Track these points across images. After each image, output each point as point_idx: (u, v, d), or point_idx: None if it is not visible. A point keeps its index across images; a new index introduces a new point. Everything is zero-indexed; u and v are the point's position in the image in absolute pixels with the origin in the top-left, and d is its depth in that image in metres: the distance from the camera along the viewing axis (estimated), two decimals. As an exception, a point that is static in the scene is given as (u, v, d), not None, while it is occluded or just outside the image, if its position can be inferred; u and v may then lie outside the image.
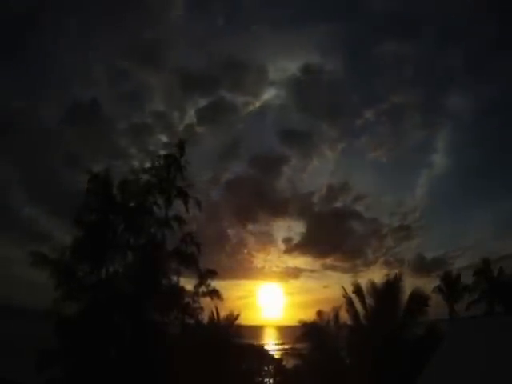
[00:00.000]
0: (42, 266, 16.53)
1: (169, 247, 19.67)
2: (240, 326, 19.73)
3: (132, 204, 18.47)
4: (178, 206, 20.34)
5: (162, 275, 18.76)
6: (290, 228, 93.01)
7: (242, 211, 78.62)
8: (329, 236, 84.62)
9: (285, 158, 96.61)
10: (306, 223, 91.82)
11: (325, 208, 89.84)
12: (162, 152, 20.90)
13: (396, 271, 17.07)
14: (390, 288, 16.11)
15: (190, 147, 21.27)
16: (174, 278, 19.33)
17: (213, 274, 20.64)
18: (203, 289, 20.29)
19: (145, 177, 19.41)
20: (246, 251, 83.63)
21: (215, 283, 21.03)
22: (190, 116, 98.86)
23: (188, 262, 19.54)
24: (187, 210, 19.96)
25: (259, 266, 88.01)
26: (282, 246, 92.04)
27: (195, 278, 20.50)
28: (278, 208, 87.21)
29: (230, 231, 76.91)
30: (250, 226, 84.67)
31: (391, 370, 14.21)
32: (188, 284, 20.48)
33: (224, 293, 21.13)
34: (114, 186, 18.15)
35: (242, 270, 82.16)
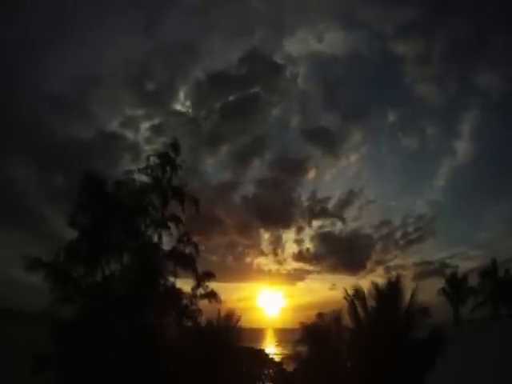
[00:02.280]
0: (36, 270, 16.52)
1: (166, 248, 19.68)
2: (240, 329, 19.68)
3: (128, 204, 18.42)
4: (178, 206, 20.26)
5: (158, 277, 18.74)
6: (301, 232, 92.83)
7: (256, 212, 79.06)
8: (339, 240, 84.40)
9: (308, 159, 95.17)
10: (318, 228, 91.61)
11: (338, 213, 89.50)
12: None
13: (398, 272, 17.01)
14: (392, 290, 16.05)
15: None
16: (171, 280, 19.31)
17: (210, 276, 20.58)
18: (201, 291, 20.24)
19: (140, 177, 19.39)
20: (249, 253, 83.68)
21: (217, 285, 21.02)
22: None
23: (185, 262, 19.50)
24: (183, 210, 19.92)
25: (262, 268, 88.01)
26: (290, 249, 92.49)
27: (193, 280, 20.44)
28: (292, 211, 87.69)
29: (242, 232, 76.80)
30: (262, 227, 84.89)
31: (394, 374, 14.15)
32: (185, 285, 20.45)
33: (225, 295, 21.11)
34: (108, 186, 18.12)
35: (245, 272, 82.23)
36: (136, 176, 19.14)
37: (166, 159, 20.09)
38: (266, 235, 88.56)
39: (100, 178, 17.88)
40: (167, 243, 19.88)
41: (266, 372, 28.71)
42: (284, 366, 27.62)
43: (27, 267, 16.43)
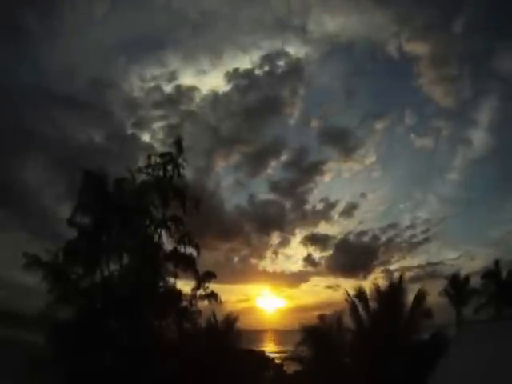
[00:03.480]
0: (34, 268, 16.53)
1: (166, 248, 19.65)
2: (240, 331, 19.72)
3: (128, 204, 18.42)
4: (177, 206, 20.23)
5: (158, 278, 18.75)
6: (308, 234, 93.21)
7: (263, 213, 79.42)
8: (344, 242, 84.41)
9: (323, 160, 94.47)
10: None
11: (346, 215, 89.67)
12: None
13: (400, 274, 17.03)
14: (394, 291, 16.08)
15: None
16: (171, 281, 19.31)
17: (211, 276, 20.59)
18: (201, 292, 20.24)
19: (141, 176, 19.36)
20: (254, 254, 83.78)
21: (219, 286, 21.00)
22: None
23: (185, 263, 19.51)
24: (184, 211, 19.89)
25: (265, 269, 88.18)
26: (295, 251, 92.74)
27: (193, 280, 20.45)
28: (301, 213, 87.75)
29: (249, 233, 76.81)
30: (268, 229, 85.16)
31: (395, 375, 14.19)
32: (185, 286, 20.45)
33: (227, 296, 21.11)
34: (109, 184, 18.13)
35: (248, 274, 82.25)
36: (137, 175, 19.08)
37: (168, 158, 20.06)
38: (272, 237, 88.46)
39: (100, 176, 17.88)
40: (168, 244, 19.86)
41: (266, 374, 28.75)
42: (284, 368, 27.69)
43: (25, 265, 16.45)
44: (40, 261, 16.61)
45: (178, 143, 20.53)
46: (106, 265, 17.57)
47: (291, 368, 23.63)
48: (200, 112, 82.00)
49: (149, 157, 19.91)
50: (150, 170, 19.68)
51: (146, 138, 60.48)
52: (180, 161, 20.37)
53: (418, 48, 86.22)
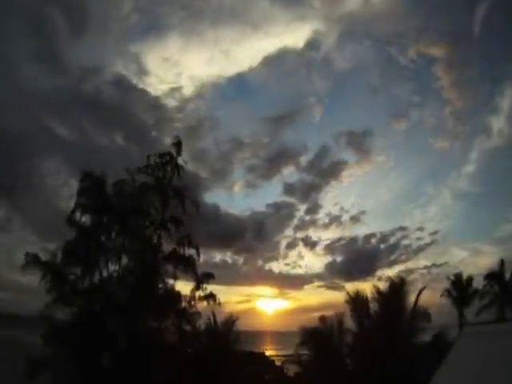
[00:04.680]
0: (33, 268, 16.56)
1: (166, 249, 19.65)
2: (240, 332, 19.75)
3: (127, 204, 18.43)
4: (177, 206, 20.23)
5: (157, 279, 18.76)
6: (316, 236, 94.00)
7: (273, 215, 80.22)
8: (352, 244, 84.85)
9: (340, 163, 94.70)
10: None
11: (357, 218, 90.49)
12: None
13: (402, 276, 17.07)
14: (395, 292, 16.12)
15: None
16: (171, 282, 19.31)
17: (210, 277, 20.57)
18: (200, 293, 20.21)
19: (140, 176, 19.35)
20: (261, 256, 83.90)
21: (222, 288, 20.92)
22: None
23: (185, 264, 19.50)
24: (184, 211, 19.90)
25: (272, 271, 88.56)
26: (302, 253, 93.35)
27: (192, 282, 20.42)
28: (312, 215, 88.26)
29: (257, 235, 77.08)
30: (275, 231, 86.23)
31: (396, 377, 14.21)
32: (185, 287, 20.43)
33: (230, 297, 21.06)
34: (108, 185, 18.15)
35: (253, 275, 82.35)
36: (136, 176, 19.07)
37: (167, 159, 20.08)
38: (279, 239, 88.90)
39: (99, 176, 17.91)
40: (167, 244, 19.86)
41: (267, 376, 28.76)
42: (285, 370, 27.70)
43: (24, 264, 16.47)
44: (39, 260, 16.64)
45: (178, 143, 20.58)
46: (104, 266, 17.58)
47: (292, 370, 23.66)
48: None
49: (148, 157, 19.92)
50: (149, 171, 19.68)
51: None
52: (180, 161, 20.43)
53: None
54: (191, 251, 19.75)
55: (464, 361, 10.36)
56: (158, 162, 19.96)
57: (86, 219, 17.77)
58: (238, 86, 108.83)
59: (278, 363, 32.96)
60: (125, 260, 18.07)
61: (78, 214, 17.60)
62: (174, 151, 20.41)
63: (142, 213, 18.54)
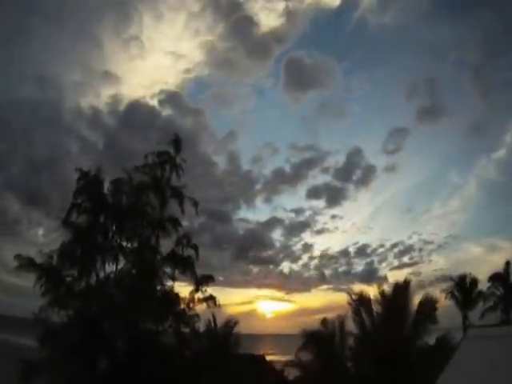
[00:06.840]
0: (27, 270, 16.52)
1: (164, 250, 19.59)
2: (239, 335, 19.68)
3: (124, 204, 18.40)
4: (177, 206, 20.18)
5: (155, 281, 18.70)
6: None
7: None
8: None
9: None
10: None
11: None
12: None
13: (406, 278, 16.97)
14: (399, 295, 16.04)
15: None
16: (169, 284, 19.25)
17: (209, 279, 20.47)
18: (199, 295, 20.12)
19: (138, 176, 19.27)
20: (267, 259, 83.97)
21: (221, 290, 20.83)
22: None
23: (184, 266, 19.41)
24: (182, 211, 19.85)
25: (277, 274, 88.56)
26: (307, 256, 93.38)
27: (191, 283, 20.34)
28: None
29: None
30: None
31: (399, 382, 14.14)
32: (184, 288, 20.36)
33: (232, 299, 20.98)
34: (105, 185, 18.12)
35: (257, 278, 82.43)
36: (134, 175, 18.99)
37: (166, 157, 19.98)
38: (286, 241, 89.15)
39: (96, 176, 17.87)
40: (167, 245, 19.79)
41: (267, 380, 28.61)
42: (285, 374, 27.58)
43: (18, 267, 16.43)
44: (33, 263, 16.59)
45: (176, 142, 20.45)
46: (101, 267, 17.56)
47: (292, 374, 23.56)
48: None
49: (146, 156, 19.81)
50: (147, 170, 19.57)
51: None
52: (178, 160, 20.32)
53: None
54: (191, 251, 19.71)
55: (468, 364, 10.28)
56: (156, 161, 19.87)
57: (82, 220, 17.73)
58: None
59: (278, 367, 32.79)
60: (122, 261, 18.06)
61: (74, 215, 17.58)
62: (172, 150, 20.32)
63: (140, 212, 18.46)
